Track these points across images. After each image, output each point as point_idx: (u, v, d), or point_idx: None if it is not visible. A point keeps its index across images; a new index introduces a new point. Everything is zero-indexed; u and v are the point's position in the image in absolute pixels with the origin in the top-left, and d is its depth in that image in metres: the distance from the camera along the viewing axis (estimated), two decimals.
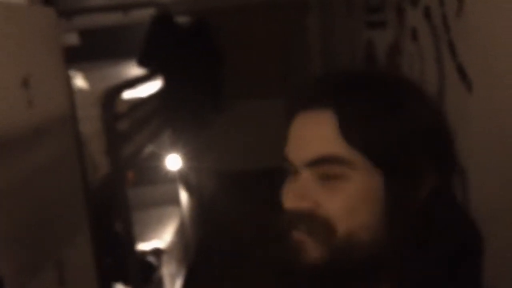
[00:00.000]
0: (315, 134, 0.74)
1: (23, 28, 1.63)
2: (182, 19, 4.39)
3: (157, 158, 3.81)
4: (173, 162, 3.94)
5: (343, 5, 3.44)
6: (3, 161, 1.44)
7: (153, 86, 3.74)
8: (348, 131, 0.71)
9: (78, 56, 3.58)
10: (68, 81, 1.98)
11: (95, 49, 4.36)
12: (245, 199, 4.35)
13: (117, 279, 2.69)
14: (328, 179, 0.73)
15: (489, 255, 0.79)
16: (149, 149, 3.22)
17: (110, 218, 2.83)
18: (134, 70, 3.95)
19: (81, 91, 2.92)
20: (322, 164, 0.72)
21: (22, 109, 1.56)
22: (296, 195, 0.74)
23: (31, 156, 1.59)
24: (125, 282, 2.69)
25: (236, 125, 5.07)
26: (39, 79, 1.68)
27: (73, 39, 4.28)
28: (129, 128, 2.69)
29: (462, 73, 1.51)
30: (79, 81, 3.22)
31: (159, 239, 3.51)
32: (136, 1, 4.35)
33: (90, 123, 2.27)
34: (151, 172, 3.93)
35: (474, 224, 0.77)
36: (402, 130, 0.72)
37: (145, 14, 4.20)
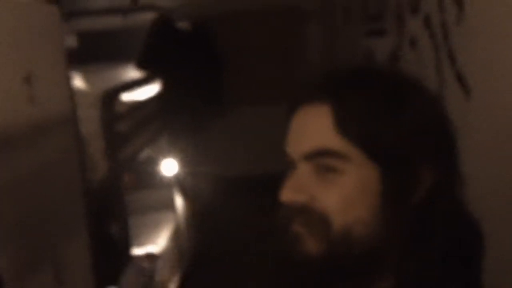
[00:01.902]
0: (311, 127, 0.74)
1: (26, 25, 1.63)
2: (182, 24, 4.40)
3: (154, 162, 3.80)
4: (169, 167, 3.93)
5: (343, 13, 3.45)
6: (3, 157, 1.44)
7: (153, 89, 3.74)
8: (342, 124, 0.71)
9: (77, 59, 3.57)
10: (69, 81, 1.98)
11: (94, 52, 4.35)
12: (242, 205, 4.34)
13: (110, 283, 2.67)
14: (324, 173, 0.73)
15: (488, 256, 0.79)
16: (146, 153, 3.22)
17: (107, 220, 2.81)
18: (133, 73, 3.96)
19: (79, 91, 2.92)
20: (318, 157, 0.73)
21: (23, 105, 1.56)
22: (293, 188, 0.74)
23: (31, 153, 1.59)
24: (118, 286, 2.67)
25: (235, 131, 5.05)
26: (41, 77, 1.68)
27: (71, 41, 4.27)
28: (128, 130, 2.69)
29: (461, 80, 1.52)
30: (78, 82, 3.22)
31: (154, 244, 3.49)
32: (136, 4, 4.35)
33: (89, 124, 2.27)
34: (147, 177, 3.91)
35: (475, 224, 0.77)
36: (398, 124, 0.72)
37: (144, 17, 4.21)
